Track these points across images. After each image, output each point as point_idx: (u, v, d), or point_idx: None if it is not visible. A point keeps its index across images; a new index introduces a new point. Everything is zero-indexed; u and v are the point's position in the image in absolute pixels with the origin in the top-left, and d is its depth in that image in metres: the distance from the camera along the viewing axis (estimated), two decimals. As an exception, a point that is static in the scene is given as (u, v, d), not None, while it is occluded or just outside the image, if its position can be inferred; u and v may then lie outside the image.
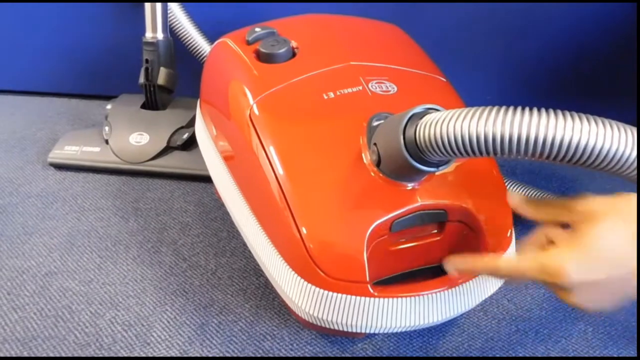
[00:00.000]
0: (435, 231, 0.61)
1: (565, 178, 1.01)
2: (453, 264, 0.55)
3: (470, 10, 1.03)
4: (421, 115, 0.51)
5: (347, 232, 0.57)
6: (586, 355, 0.69)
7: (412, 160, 0.52)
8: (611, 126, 0.43)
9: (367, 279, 0.56)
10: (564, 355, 0.69)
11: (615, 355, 0.69)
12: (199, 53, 1.04)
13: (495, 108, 0.45)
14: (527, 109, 0.44)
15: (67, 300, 0.73)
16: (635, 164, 0.44)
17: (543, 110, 0.44)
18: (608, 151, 0.43)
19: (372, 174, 0.58)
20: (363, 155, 0.59)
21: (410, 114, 0.52)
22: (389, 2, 1.03)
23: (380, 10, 1.03)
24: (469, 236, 0.61)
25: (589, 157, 0.43)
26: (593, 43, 1.06)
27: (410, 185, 0.58)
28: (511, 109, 0.45)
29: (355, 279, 0.56)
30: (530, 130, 0.43)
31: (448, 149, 0.48)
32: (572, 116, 0.43)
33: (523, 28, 1.04)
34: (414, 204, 0.58)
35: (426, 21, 1.04)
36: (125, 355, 0.67)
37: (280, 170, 0.60)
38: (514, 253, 0.60)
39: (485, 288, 0.61)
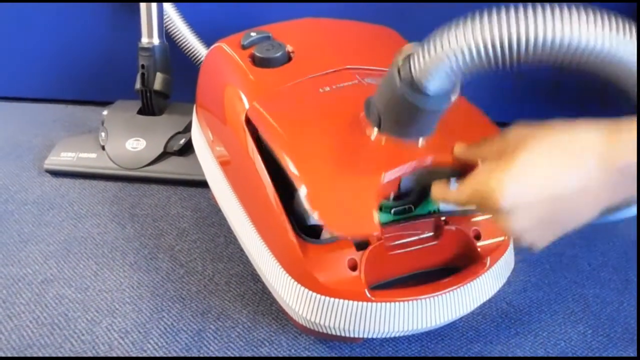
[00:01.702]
0: (432, 234, 0.61)
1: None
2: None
3: (465, 11, 1.02)
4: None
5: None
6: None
7: (410, 94, 0.50)
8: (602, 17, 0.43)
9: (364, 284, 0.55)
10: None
11: (615, 358, 0.69)
12: (195, 56, 1.04)
13: (478, 13, 0.45)
14: (520, 6, 0.43)
15: (63, 307, 0.73)
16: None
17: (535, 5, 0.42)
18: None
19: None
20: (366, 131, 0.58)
21: (406, 53, 0.51)
22: (383, 2, 1.03)
23: (375, 13, 1.03)
24: (465, 239, 0.61)
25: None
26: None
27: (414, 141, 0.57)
28: (503, 8, 0.43)
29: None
30: (528, 30, 0.42)
31: (442, 63, 0.46)
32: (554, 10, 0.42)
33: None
34: (420, 158, 0.56)
35: (420, 23, 1.04)
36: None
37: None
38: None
39: (483, 291, 0.61)
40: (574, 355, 0.69)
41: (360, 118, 0.58)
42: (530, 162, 0.46)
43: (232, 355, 0.67)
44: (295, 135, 0.60)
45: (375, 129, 0.56)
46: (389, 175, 0.55)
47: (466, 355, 0.68)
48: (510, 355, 0.68)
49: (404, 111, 0.51)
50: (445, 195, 0.54)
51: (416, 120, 0.54)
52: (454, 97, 0.53)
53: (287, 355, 0.67)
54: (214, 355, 0.67)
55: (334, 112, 0.62)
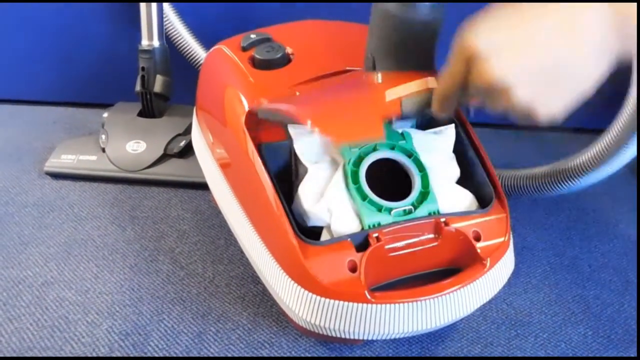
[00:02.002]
0: (432, 236, 0.61)
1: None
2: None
3: (465, 12, 1.03)
4: None
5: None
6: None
7: (399, 8, 0.50)
8: None
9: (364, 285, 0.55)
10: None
11: (615, 359, 0.69)
12: (194, 59, 1.04)
13: None
14: None
15: (63, 310, 0.73)
16: None
17: None
18: None
19: None
20: None
21: None
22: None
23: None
24: (465, 240, 0.61)
25: None
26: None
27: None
28: None
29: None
30: None
31: None
32: None
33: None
34: (421, 79, 0.56)
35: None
36: (123, 365, 0.66)
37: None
38: None
39: (483, 292, 0.61)
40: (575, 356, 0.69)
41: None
42: (507, 10, 0.44)
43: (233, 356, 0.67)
44: (296, 97, 0.62)
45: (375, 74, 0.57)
46: (391, 94, 0.55)
47: (467, 356, 0.68)
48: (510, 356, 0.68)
49: (396, 35, 0.51)
50: (439, 89, 0.51)
51: (409, 42, 0.53)
52: (440, 10, 0.52)
53: (287, 357, 0.67)
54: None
55: (333, 84, 0.64)
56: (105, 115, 1.04)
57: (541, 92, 0.44)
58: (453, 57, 0.47)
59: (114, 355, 0.67)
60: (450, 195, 0.64)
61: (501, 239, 0.62)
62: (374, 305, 0.55)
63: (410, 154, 0.63)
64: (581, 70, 0.42)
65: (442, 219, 0.60)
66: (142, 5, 0.98)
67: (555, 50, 0.42)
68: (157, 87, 1.01)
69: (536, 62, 0.43)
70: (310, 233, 0.59)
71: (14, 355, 0.67)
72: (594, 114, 1.08)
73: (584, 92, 0.44)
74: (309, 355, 0.68)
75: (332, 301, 0.55)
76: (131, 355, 0.67)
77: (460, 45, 0.46)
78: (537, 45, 0.42)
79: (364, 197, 0.60)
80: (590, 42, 0.41)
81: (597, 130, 0.83)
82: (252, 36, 0.74)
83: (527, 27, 0.43)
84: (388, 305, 0.55)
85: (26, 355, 0.67)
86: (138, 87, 1.01)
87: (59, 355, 0.67)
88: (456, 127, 0.69)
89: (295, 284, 0.58)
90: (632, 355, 0.69)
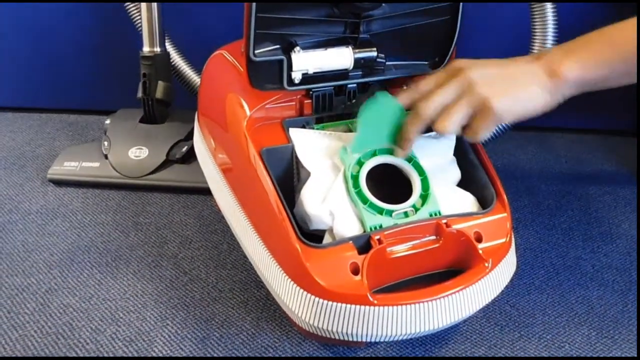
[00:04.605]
0: (433, 237, 0.61)
1: (565, 180, 1.01)
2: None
3: (466, 14, 1.03)
4: None
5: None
6: (590, 360, 0.68)
7: None
8: None
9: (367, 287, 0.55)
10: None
11: (619, 360, 0.69)
12: (188, 85, 1.06)
13: None
14: None
15: (67, 317, 0.73)
16: None
17: None
18: None
19: None
20: None
21: None
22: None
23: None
24: (467, 242, 0.61)
25: None
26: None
27: None
28: None
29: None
30: None
31: None
32: None
33: (520, 31, 1.04)
34: None
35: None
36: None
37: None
38: None
39: (486, 293, 0.61)
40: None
41: None
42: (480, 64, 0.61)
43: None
44: None
45: None
46: None
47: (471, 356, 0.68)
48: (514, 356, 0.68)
49: None
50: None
51: None
52: None
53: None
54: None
55: None
56: (108, 121, 1.05)
57: (496, 90, 0.59)
58: (442, 73, 0.63)
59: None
60: (451, 198, 0.64)
61: (503, 240, 0.62)
62: (377, 308, 0.55)
63: (410, 159, 0.63)
64: (525, 94, 0.60)
65: (444, 221, 0.60)
66: (144, 11, 0.98)
67: (512, 77, 0.61)
68: (159, 93, 1.01)
69: (496, 72, 0.62)
70: (312, 237, 0.59)
71: (19, 362, 0.67)
72: (593, 116, 1.09)
73: (527, 109, 0.60)
74: (313, 356, 0.68)
75: (334, 304, 0.56)
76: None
77: (451, 68, 0.63)
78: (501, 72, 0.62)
79: (364, 200, 0.60)
80: (529, 82, 0.60)
81: (598, 131, 0.82)
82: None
83: (496, 67, 0.62)
84: (390, 307, 0.55)
85: (31, 362, 0.67)
86: (140, 94, 1.01)
87: (63, 362, 0.67)
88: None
89: (298, 287, 0.58)
90: (633, 356, 0.69)
